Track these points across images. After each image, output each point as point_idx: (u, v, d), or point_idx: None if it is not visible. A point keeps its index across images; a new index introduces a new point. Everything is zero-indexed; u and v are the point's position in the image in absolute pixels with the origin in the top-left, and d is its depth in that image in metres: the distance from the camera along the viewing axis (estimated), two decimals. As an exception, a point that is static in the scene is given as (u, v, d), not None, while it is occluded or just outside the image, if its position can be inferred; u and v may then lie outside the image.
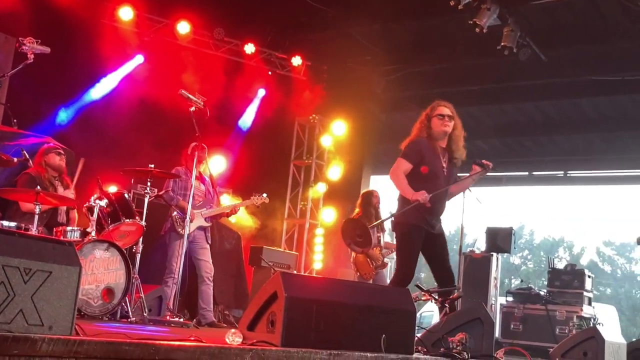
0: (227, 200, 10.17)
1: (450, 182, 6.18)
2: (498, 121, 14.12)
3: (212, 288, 7.85)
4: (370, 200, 9.13)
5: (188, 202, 7.43)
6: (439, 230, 6.16)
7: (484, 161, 6.15)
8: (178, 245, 7.42)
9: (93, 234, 6.42)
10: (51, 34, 7.03)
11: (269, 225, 11.82)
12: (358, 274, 8.82)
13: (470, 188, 7.50)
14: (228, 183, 11.33)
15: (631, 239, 37.53)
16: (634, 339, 7.74)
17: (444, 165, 6.11)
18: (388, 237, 9.62)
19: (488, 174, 6.31)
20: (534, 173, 16.40)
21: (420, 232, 6.00)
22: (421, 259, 6.29)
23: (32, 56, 6.02)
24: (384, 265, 9.02)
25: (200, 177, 7.99)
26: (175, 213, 7.61)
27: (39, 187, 6.26)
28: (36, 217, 6.07)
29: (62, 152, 7.23)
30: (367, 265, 8.69)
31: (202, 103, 7.12)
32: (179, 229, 7.54)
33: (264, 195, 8.38)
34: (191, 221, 7.65)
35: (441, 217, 6.24)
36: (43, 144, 7.46)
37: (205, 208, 7.91)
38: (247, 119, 12.37)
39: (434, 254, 6.15)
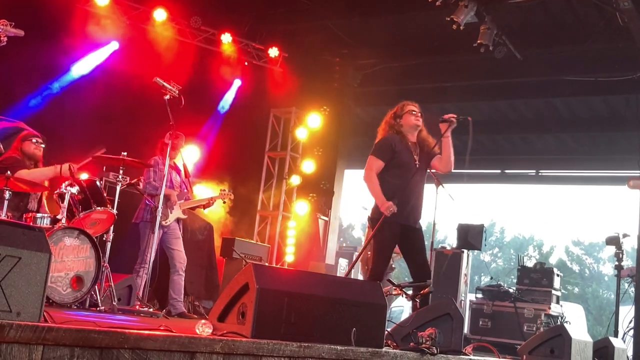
0: (200, 190, 10.13)
1: (423, 174, 6.27)
2: (472, 118, 14.18)
3: (183, 279, 7.83)
4: None
5: (172, 190, 7.47)
6: (417, 225, 6.21)
7: (444, 117, 6.23)
8: (154, 235, 7.37)
9: (63, 221, 6.34)
10: (25, 17, 6.93)
11: (242, 216, 11.78)
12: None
13: (443, 184, 7.57)
14: (202, 173, 11.28)
15: (600, 239, 38.00)
16: (599, 338, 7.84)
17: (416, 158, 6.18)
18: None
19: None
20: (506, 171, 16.53)
21: (394, 228, 6.04)
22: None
23: (5, 39, 5.92)
24: (391, 269, 8.80)
25: (175, 168, 7.95)
26: (157, 202, 7.53)
27: (9, 172, 6.18)
28: (5, 202, 5.99)
29: (40, 141, 7.08)
30: None
31: (176, 91, 7.07)
32: (162, 220, 7.50)
33: (226, 190, 8.45)
34: (171, 212, 7.63)
35: (420, 210, 6.29)
36: (14, 129, 7.35)
37: (183, 199, 7.88)
38: (224, 107, 12.31)
39: (410, 248, 6.20)
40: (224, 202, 8.92)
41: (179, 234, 7.87)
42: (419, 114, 6.31)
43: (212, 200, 8.24)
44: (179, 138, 7.81)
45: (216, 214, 10.70)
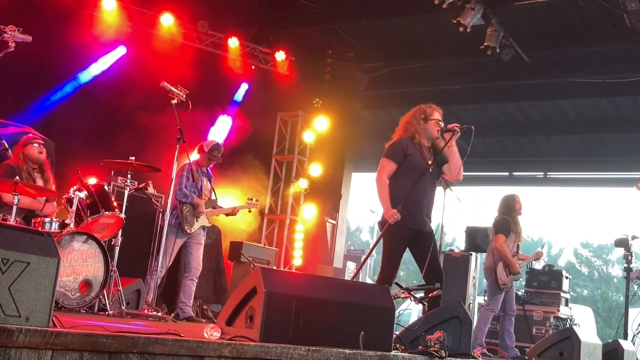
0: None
1: (435, 179, 6.24)
2: (479, 121, 14.17)
3: (195, 284, 7.82)
4: (514, 206, 8.64)
5: (201, 200, 7.50)
6: (428, 228, 6.17)
7: (449, 126, 6.19)
8: (177, 241, 7.39)
9: (72, 225, 6.37)
10: (33, 23, 6.96)
11: (250, 220, 11.78)
12: (496, 283, 8.37)
13: (451, 187, 7.56)
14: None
15: (609, 241, 37.86)
16: (609, 340, 7.81)
17: (429, 163, 6.15)
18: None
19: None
20: (514, 173, 16.48)
21: (404, 232, 6.01)
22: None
23: (14, 44, 5.94)
24: (518, 275, 8.59)
25: (207, 175, 7.98)
26: (186, 209, 7.54)
27: (17, 178, 6.20)
28: (14, 207, 6.01)
29: (41, 143, 7.12)
30: (506, 276, 8.31)
31: (184, 96, 7.08)
32: (186, 227, 7.50)
33: (254, 200, 8.39)
34: (197, 219, 7.63)
35: (431, 215, 6.25)
36: (23, 134, 7.37)
37: (211, 207, 7.88)
38: (231, 110, 12.34)
39: (421, 253, 6.15)
40: (250, 211, 8.90)
41: (201, 241, 7.87)
42: (440, 122, 6.25)
43: (237, 210, 8.18)
44: (217, 148, 7.87)
45: (224, 217, 10.70)
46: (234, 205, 8.36)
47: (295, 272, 10.88)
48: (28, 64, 8.31)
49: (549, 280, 10.83)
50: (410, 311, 16.46)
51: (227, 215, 8.23)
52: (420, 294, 5.98)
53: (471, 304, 10.87)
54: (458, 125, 6.17)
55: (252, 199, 8.37)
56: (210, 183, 8.05)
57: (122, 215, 6.85)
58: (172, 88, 7.02)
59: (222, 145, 8.13)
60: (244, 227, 11.62)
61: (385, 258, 6.12)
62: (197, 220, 7.68)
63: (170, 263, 7.41)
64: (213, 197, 8.02)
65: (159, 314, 6.87)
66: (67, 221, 6.43)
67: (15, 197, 6.04)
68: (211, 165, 8.08)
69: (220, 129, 12.14)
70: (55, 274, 3.17)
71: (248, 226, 11.74)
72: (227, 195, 10.42)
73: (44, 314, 3.09)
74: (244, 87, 12.45)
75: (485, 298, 11.12)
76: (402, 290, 5.76)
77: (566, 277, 11.01)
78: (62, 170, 7.58)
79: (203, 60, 11.21)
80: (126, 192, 7.02)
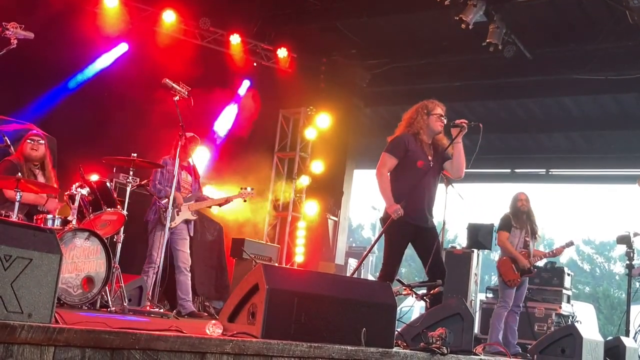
0: (209, 191, 10.13)
1: (436, 175, 6.23)
2: (481, 118, 14.12)
3: (190, 278, 7.81)
4: (514, 203, 8.80)
5: (178, 192, 7.43)
6: (430, 224, 6.16)
7: (456, 122, 6.16)
8: (161, 235, 7.36)
9: (74, 222, 6.36)
10: (35, 20, 6.96)
11: (252, 217, 11.79)
12: (501, 278, 8.48)
13: (453, 184, 7.55)
14: (211, 174, 11.30)
15: (611, 238, 37.85)
16: (611, 337, 7.80)
17: (430, 159, 6.14)
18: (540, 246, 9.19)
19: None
20: (516, 170, 16.47)
21: (406, 228, 6.01)
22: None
23: (16, 41, 5.93)
24: (531, 272, 8.63)
25: (187, 168, 7.95)
26: (163, 203, 7.52)
27: (19, 174, 6.20)
28: (16, 204, 6.01)
29: (36, 139, 7.09)
30: (512, 272, 8.39)
31: (186, 92, 7.07)
32: (165, 221, 7.49)
33: (249, 189, 8.31)
34: (178, 214, 7.61)
35: (432, 211, 6.24)
36: (25, 131, 7.38)
37: (193, 201, 7.86)
38: (233, 107, 12.33)
39: (423, 248, 6.15)
40: (245, 201, 8.82)
41: (186, 235, 7.85)
42: (443, 118, 6.24)
43: (230, 199, 8.18)
44: (193, 141, 7.84)
45: (226, 214, 10.71)
46: (226, 196, 8.32)
47: (297, 268, 10.89)
48: (30, 61, 8.32)
49: (551, 277, 10.83)
50: (412, 308, 16.45)
51: (220, 206, 8.20)
52: (422, 291, 5.98)
53: (473, 301, 10.87)
54: (466, 121, 6.15)
55: (245, 188, 8.30)
56: (192, 175, 8.01)
57: (124, 212, 6.85)
58: (174, 85, 7.02)
59: (199, 137, 8.11)
60: (246, 224, 11.62)
61: (387, 255, 6.11)
62: (177, 214, 7.67)
63: (161, 258, 7.38)
64: (196, 190, 8.00)
65: (161, 310, 6.88)
66: (69, 218, 6.42)
67: (18, 193, 6.04)
68: (191, 159, 8.00)
69: (222, 126, 12.14)
70: (58, 271, 3.17)
71: (250, 223, 11.75)
72: (229, 193, 10.43)
73: (47, 311, 3.09)
74: (246, 83, 12.45)
75: (488, 295, 11.17)
76: (403, 287, 5.76)
77: (568, 274, 11.01)
78: (64, 166, 7.58)
79: (205, 57, 11.21)
80: (128, 189, 7.02)
